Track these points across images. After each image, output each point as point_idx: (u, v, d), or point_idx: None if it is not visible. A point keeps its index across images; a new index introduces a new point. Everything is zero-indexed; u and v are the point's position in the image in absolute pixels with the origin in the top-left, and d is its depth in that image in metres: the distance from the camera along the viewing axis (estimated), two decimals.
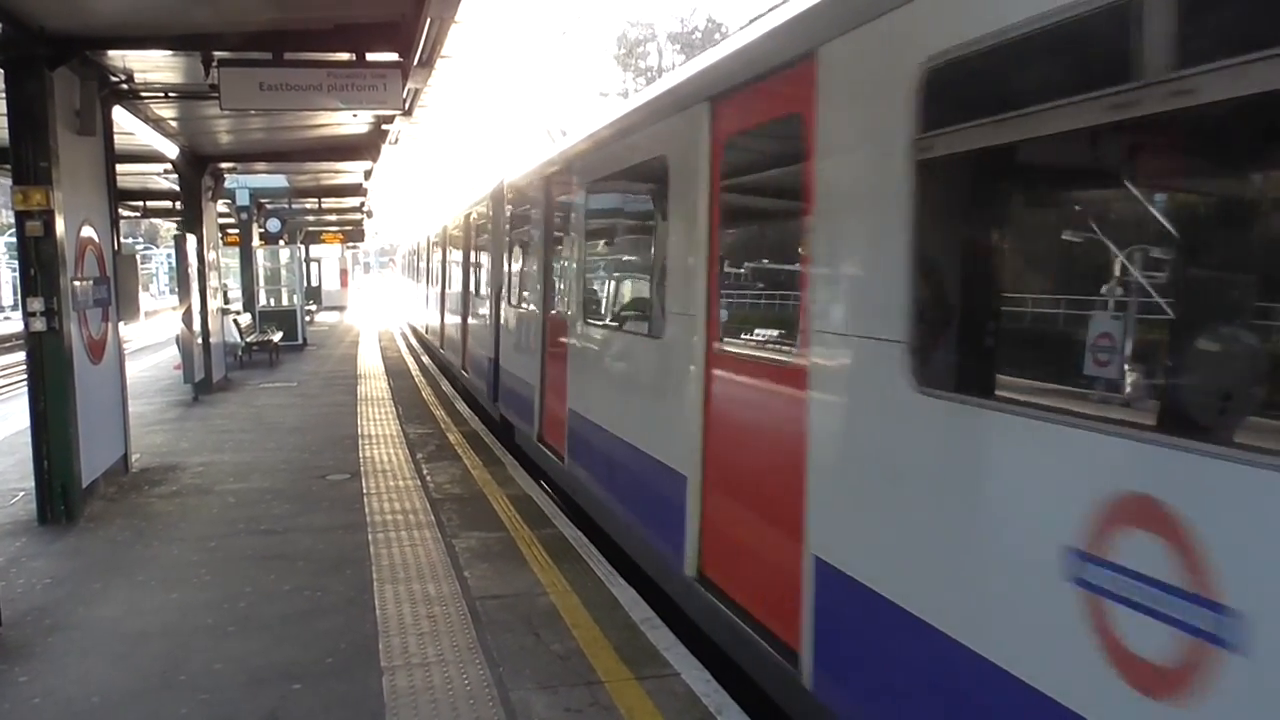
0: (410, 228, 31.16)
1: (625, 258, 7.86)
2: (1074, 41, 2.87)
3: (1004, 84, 3.21)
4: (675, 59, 55.15)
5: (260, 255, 25.23)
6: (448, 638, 5.53)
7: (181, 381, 15.36)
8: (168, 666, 5.19)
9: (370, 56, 8.74)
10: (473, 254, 15.41)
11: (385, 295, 55.59)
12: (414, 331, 29.81)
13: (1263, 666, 2.24)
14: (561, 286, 9.20)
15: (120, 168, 10.52)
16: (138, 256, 13.10)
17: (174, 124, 12.98)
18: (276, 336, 21.77)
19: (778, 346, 4.70)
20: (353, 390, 16.53)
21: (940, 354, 3.51)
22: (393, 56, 8.76)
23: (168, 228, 47.34)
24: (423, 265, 26.47)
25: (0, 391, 20.58)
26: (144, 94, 10.39)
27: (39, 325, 7.93)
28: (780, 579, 4.49)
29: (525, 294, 10.72)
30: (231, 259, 24.75)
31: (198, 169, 15.68)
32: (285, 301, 27.10)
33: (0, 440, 11.65)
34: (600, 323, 7.89)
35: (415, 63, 8.92)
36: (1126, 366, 2.89)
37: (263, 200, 23.40)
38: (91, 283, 8.81)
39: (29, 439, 8.20)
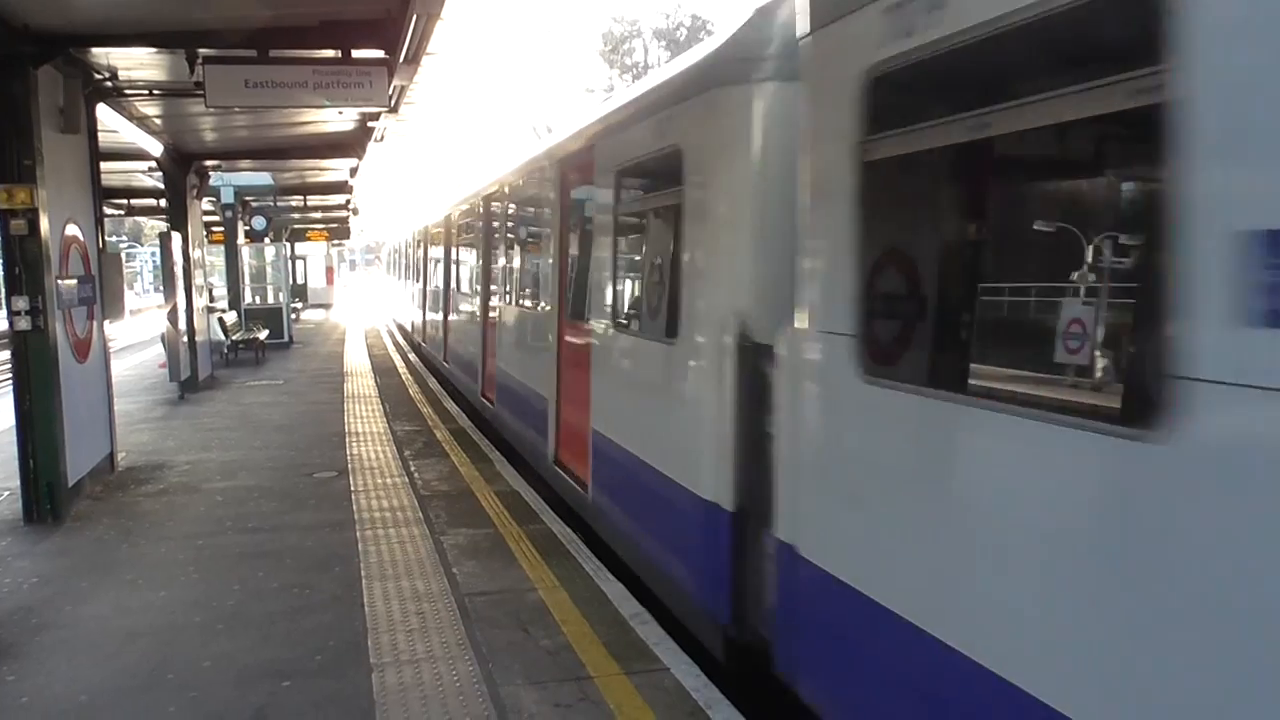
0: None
1: None
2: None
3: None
4: (661, 55, 55.13)
5: (246, 253, 25.13)
6: (437, 634, 5.54)
7: (167, 380, 15.30)
8: (156, 665, 5.19)
9: (356, 53, 8.72)
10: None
11: (371, 292, 55.43)
12: (406, 336, 27.71)
13: None
14: None
15: (104, 166, 10.47)
16: (122, 255, 13.07)
17: (158, 122, 12.92)
18: (262, 334, 21.70)
19: None
20: (339, 388, 16.49)
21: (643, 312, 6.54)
22: (378, 53, 8.75)
23: (152, 226, 47.14)
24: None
25: None
26: (128, 92, 10.35)
27: (24, 324, 7.90)
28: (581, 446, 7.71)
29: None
30: (217, 257, 24.67)
31: (182, 167, 15.61)
32: (271, 299, 27.02)
33: None
34: None
35: (401, 60, 8.90)
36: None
37: (248, 198, 23.29)
38: (76, 281, 8.78)
39: (14, 438, 8.16)
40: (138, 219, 38.47)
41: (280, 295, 26.58)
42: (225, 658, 5.28)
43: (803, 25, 4.30)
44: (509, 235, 11.56)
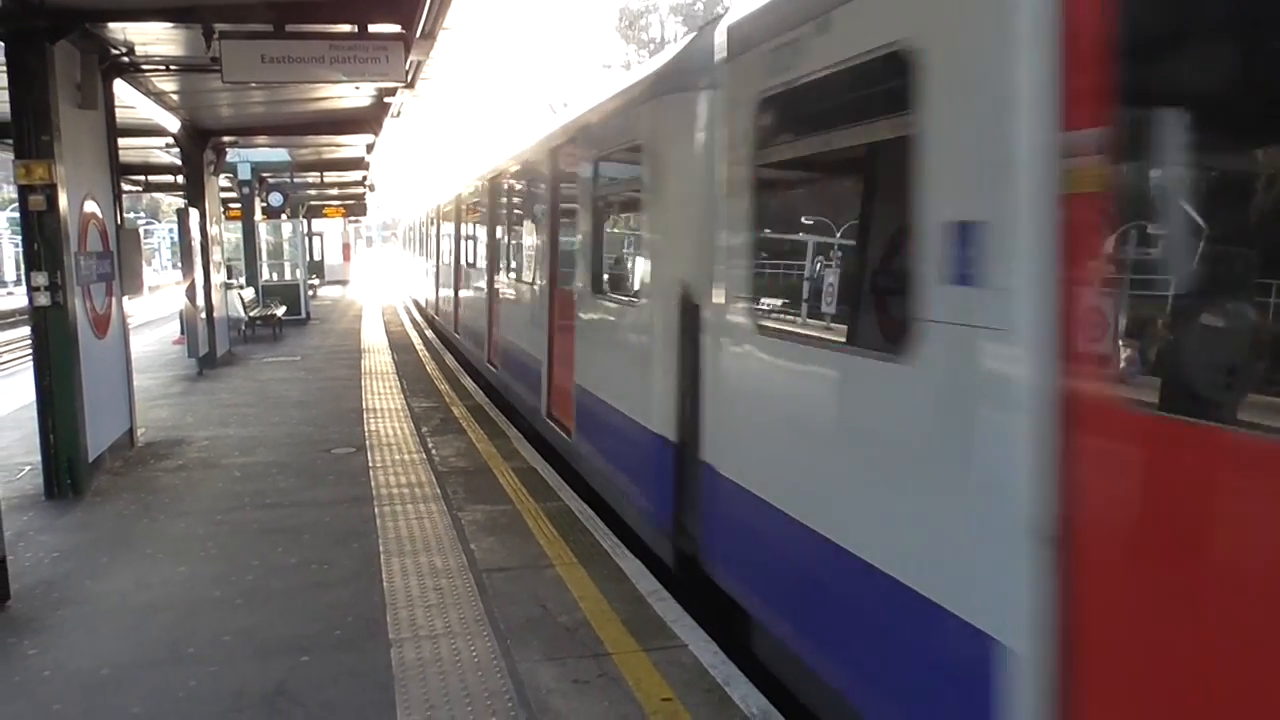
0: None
1: None
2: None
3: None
4: (677, 30, 54.76)
5: (263, 229, 25.17)
6: (455, 610, 5.55)
7: (185, 356, 15.36)
8: (176, 639, 5.22)
9: (372, 28, 8.68)
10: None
11: (388, 269, 55.48)
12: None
13: None
14: None
15: (122, 142, 10.47)
16: (140, 231, 13.09)
17: (175, 97, 12.91)
18: (279, 311, 21.75)
19: None
20: (357, 364, 16.53)
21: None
22: (395, 28, 8.70)
23: (169, 202, 47.30)
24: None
25: (5, 366, 20.62)
26: (145, 67, 10.32)
27: (43, 300, 7.92)
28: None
29: None
30: (234, 233, 24.73)
31: (199, 143, 15.61)
32: (288, 276, 27.09)
33: (6, 415, 11.66)
34: None
35: (418, 34, 8.85)
36: None
37: (264, 174, 23.31)
38: (95, 257, 8.80)
39: (35, 413, 8.20)
40: (155, 195, 38.59)
41: (297, 272, 26.64)
42: (245, 632, 5.30)
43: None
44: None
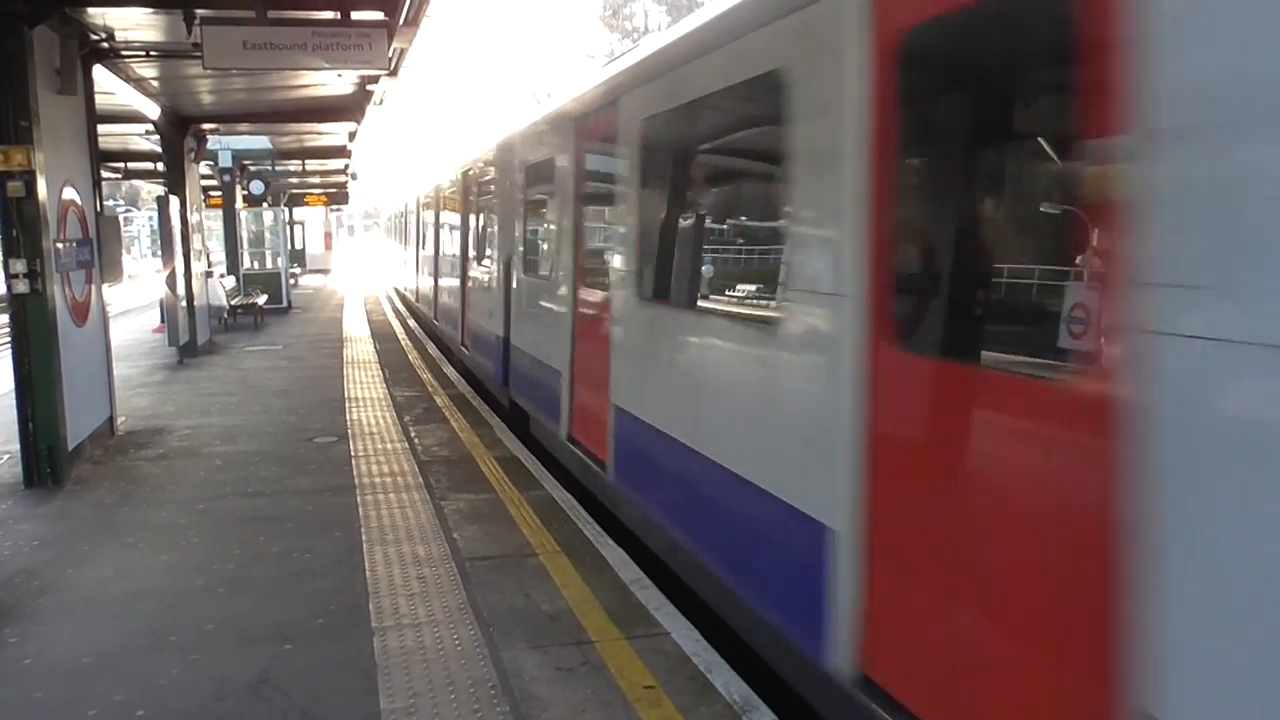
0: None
1: None
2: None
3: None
4: (662, 20, 54.61)
5: (244, 218, 25.04)
6: (438, 598, 5.55)
7: (165, 344, 15.28)
8: (158, 627, 5.20)
9: (355, 15, 8.64)
10: None
11: (370, 258, 55.27)
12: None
13: None
14: None
15: (101, 128, 10.38)
16: (120, 218, 13.02)
17: (155, 84, 12.79)
18: (261, 299, 21.65)
19: None
20: (339, 353, 16.47)
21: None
22: (378, 15, 8.66)
23: (149, 190, 46.91)
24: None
25: None
26: (125, 53, 10.24)
27: (22, 287, 7.86)
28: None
29: None
30: (215, 221, 24.61)
31: (180, 130, 15.49)
32: (269, 264, 26.96)
33: None
34: None
35: (401, 21, 8.82)
36: None
37: (246, 162, 23.17)
38: (74, 244, 8.73)
39: (13, 402, 8.15)
40: (135, 183, 38.29)
41: (278, 260, 26.50)
42: (227, 621, 5.29)
43: None
44: None
